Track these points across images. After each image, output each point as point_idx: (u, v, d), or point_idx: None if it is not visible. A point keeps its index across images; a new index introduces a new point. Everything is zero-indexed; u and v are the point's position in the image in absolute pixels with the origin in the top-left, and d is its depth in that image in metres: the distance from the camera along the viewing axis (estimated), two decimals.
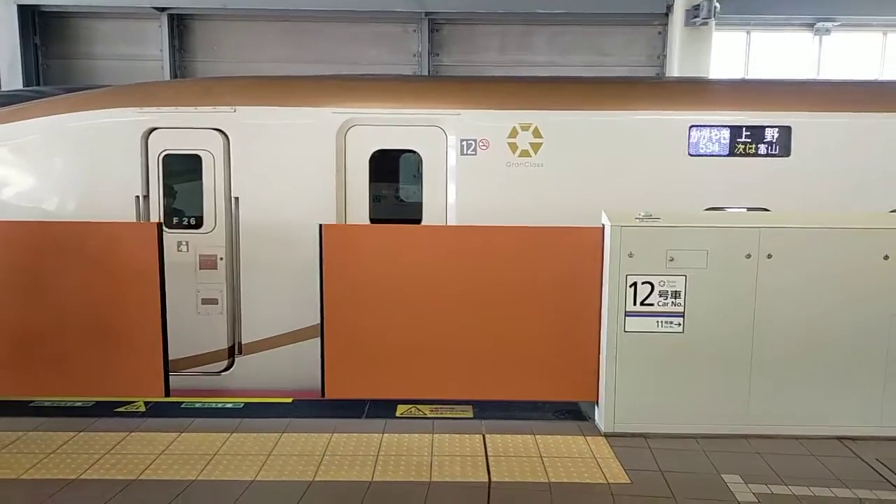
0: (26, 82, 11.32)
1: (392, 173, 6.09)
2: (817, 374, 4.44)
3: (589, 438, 4.43)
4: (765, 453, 4.22)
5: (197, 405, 4.96)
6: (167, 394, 5.06)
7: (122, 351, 4.98)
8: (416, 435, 4.44)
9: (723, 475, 3.95)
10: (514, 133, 5.71)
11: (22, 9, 11.24)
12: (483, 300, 4.68)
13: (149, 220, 5.67)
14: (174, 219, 5.74)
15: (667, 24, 11.50)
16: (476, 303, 4.68)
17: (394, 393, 4.83)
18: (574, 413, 4.85)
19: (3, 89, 10.87)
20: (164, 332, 4.98)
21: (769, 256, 4.38)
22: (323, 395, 4.82)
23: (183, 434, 4.44)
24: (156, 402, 4.98)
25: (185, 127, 5.68)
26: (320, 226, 4.72)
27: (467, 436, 4.44)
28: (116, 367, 4.98)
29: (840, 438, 4.43)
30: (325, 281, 4.68)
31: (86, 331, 4.96)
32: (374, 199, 5.89)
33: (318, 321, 5.61)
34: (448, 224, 5.73)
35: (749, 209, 5.63)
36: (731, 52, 12.01)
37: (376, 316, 4.71)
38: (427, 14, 11.54)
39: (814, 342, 4.43)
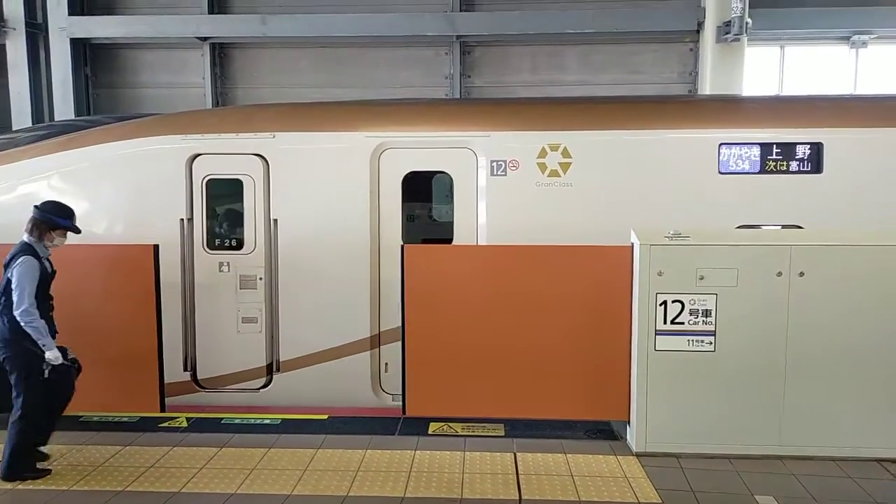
0: (77, 111, 11.85)
1: (424, 194, 6.22)
2: (854, 395, 4.38)
3: (620, 458, 4.44)
4: (800, 475, 4.17)
5: (236, 421, 5.14)
6: (163, 409, 5.28)
7: (120, 368, 5.20)
8: (448, 452, 4.51)
9: (756, 496, 3.92)
10: (543, 153, 5.79)
11: (74, 42, 11.84)
12: (518, 319, 4.77)
13: (192, 242, 5.90)
14: (216, 241, 5.96)
15: (698, 41, 11.46)
16: (512, 321, 4.77)
17: (470, 411, 4.92)
18: (606, 432, 4.86)
19: (56, 119, 11.42)
20: (160, 350, 5.19)
21: (801, 274, 4.35)
22: (404, 412, 4.96)
23: (223, 449, 4.60)
24: (197, 418, 5.16)
25: (227, 153, 5.92)
26: (402, 246, 4.93)
27: (498, 454, 4.49)
28: (116, 383, 5.20)
29: (879, 461, 4.35)
30: (407, 301, 4.84)
31: (88, 348, 5.16)
32: (408, 219, 6.03)
33: (354, 339, 5.81)
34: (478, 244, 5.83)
35: (782, 227, 5.60)
36: (765, 68, 11.88)
37: (449, 335, 4.85)
38: (458, 37, 11.73)
39: (849, 361, 4.37)
